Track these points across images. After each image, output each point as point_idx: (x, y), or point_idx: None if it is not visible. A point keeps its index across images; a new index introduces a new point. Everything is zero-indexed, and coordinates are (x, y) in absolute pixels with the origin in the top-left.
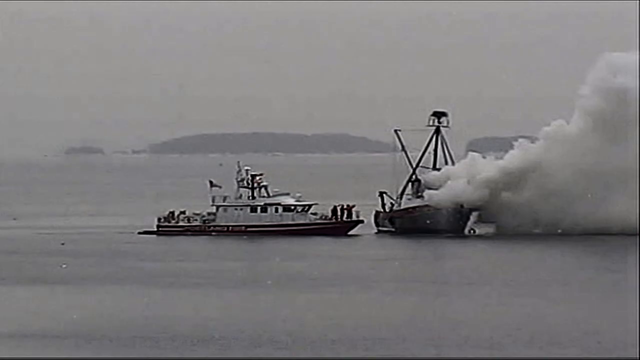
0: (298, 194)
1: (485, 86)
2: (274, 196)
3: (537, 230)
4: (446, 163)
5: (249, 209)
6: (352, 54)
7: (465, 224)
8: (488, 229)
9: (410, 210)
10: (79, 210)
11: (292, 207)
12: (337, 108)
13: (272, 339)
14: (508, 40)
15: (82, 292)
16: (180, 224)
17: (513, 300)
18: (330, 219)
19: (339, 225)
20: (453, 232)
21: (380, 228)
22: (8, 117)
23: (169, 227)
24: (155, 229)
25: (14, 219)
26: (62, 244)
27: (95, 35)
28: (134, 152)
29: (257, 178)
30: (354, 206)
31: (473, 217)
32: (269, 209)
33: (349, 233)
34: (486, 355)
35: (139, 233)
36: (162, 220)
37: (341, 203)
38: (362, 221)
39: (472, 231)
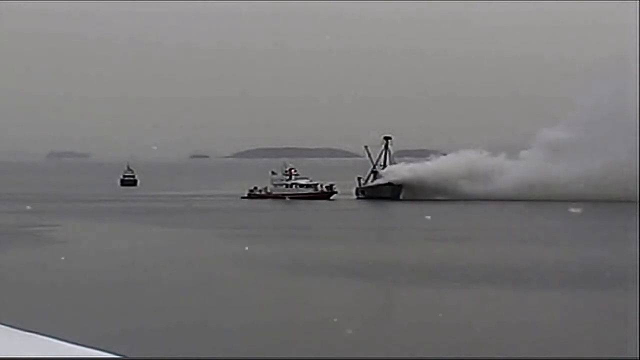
0: (309, 178)
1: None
2: (297, 179)
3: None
4: (390, 164)
5: (284, 186)
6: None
7: (399, 193)
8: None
9: (372, 186)
10: (201, 186)
11: (304, 185)
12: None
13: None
14: None
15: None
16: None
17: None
18: (321, 191)
19: (325, 194)
20: (393, 198)
21: (358, 196)
22: None
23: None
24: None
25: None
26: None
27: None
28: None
29: (292, 170)
30: (333, 184)
31: (403, 190)
32: (293, 186)
33: (331, 198)
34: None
35: (241, 197)
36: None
37: (324, 183)
38: (336, 192)
39: (402, 197)
